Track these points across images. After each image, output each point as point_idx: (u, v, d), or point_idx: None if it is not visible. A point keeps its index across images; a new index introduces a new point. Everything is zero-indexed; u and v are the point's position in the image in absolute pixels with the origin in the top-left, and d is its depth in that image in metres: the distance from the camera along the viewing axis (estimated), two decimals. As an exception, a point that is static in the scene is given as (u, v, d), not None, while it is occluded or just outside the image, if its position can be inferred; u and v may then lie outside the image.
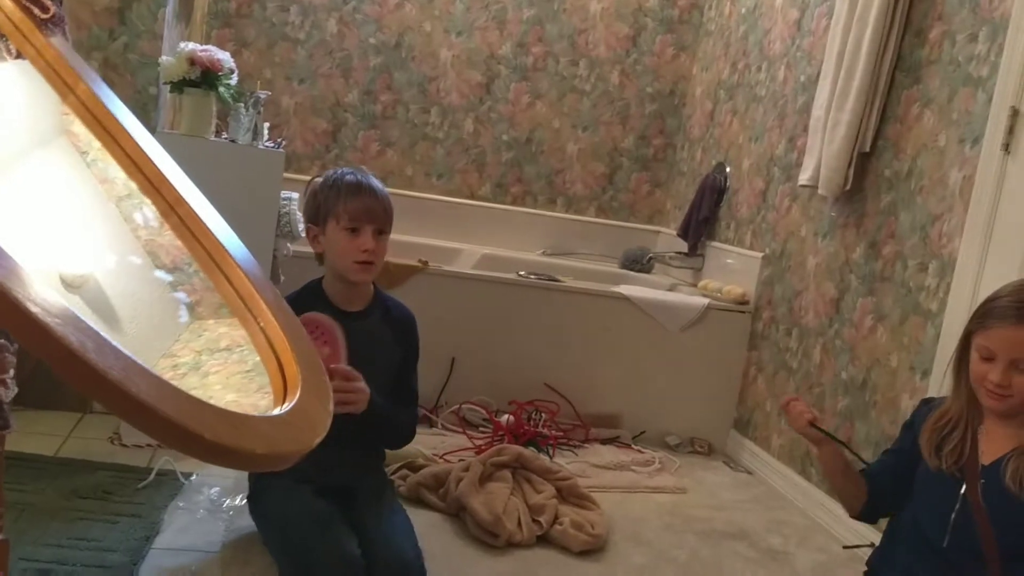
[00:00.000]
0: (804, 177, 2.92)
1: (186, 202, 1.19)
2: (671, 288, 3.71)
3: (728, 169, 3.73)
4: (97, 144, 1.30)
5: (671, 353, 3.31)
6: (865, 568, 1.89)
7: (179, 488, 2.26)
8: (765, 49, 3.56)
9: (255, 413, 1.08)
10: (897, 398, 2.47)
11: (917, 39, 2.59)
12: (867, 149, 2.69)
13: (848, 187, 2.73)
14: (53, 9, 1.23)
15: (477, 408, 3.13)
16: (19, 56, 1.28)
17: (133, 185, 1.19)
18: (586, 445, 3.12)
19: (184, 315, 1.27)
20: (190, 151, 2.58)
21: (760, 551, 2.45)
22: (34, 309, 0.76)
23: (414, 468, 2.55)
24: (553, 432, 3.08)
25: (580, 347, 3.26)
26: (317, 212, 1.97)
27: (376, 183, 2.00)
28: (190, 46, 2.59)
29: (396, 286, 2.98)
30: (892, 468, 1.83)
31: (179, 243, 1.27)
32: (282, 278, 2.68)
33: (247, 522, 2.13)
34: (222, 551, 2.00)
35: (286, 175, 2.93)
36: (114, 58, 2.84)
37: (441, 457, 2.71)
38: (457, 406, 3.11)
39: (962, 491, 1.66)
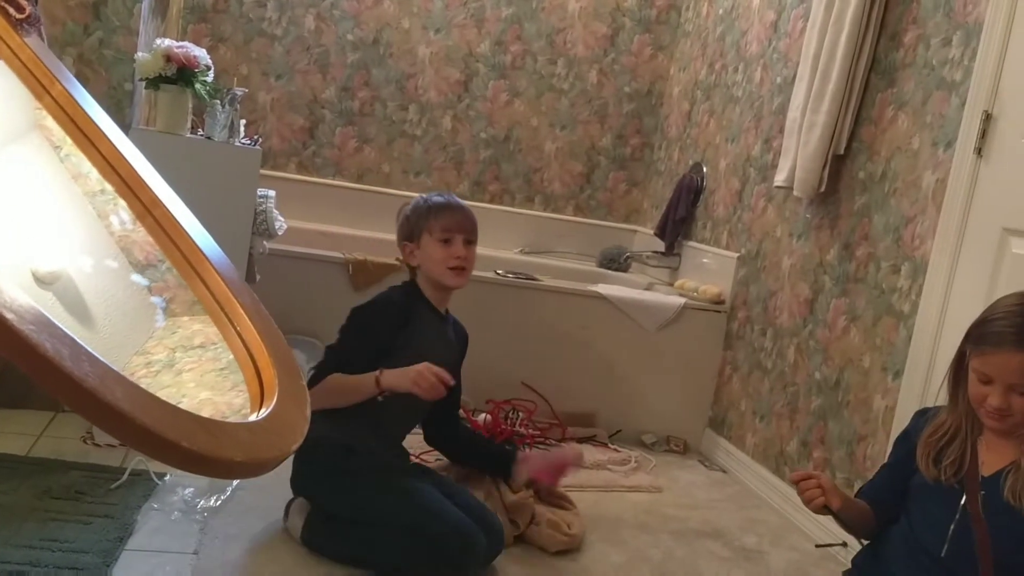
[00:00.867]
0: (779, 178, 2.95)
1: (162, 204, 1.18)
2: (648, 287, 3.72)
3: (705, 169, 3.76)
4: (71, 140, 1.28)
5: (647, 352, 3.33)
6: (849, 567, 1.89)
7: (153, 488, 2.24)
8: (742, 50, 3.58)
9: (230, 412, 1.08)
10: (869, 398, 2.50)
11: (892, 42, 2.62)
12: (842, 151, 2.71)
13: (823, 189, 2.75)
14: (28, 9, 1.22)
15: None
16: (-8, 55, 1.26)
17: (108, 185, 1.18)
18: (563, 444, 3.12)
19: (158, 312, 1.26)
20: (166, 148, 2.57)
21: (734, 550, 2.47)
22: (8, 316, 0.76)
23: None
24: (530, 431, 3.09)
25: (557, 346, 3.27)
26: (412, 230, 2.25)
27: (461, 201, 2.32)
28: (166, 42, 2.57)
29: (372, 284, 2.97)
30: (890, 483, 1.84)
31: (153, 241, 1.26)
32: (258, 277, 2.67)
33: (221, 523, 2.13)
34: (196, 553, 1.98)
35: (263, 172, 2.91)
36: (89, 54, 2.81)
37: (417, 457, 2.70)
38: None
39: (962, 502, 1.67)
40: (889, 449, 2.38)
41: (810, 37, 2.86)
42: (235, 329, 1.09)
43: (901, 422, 2.33)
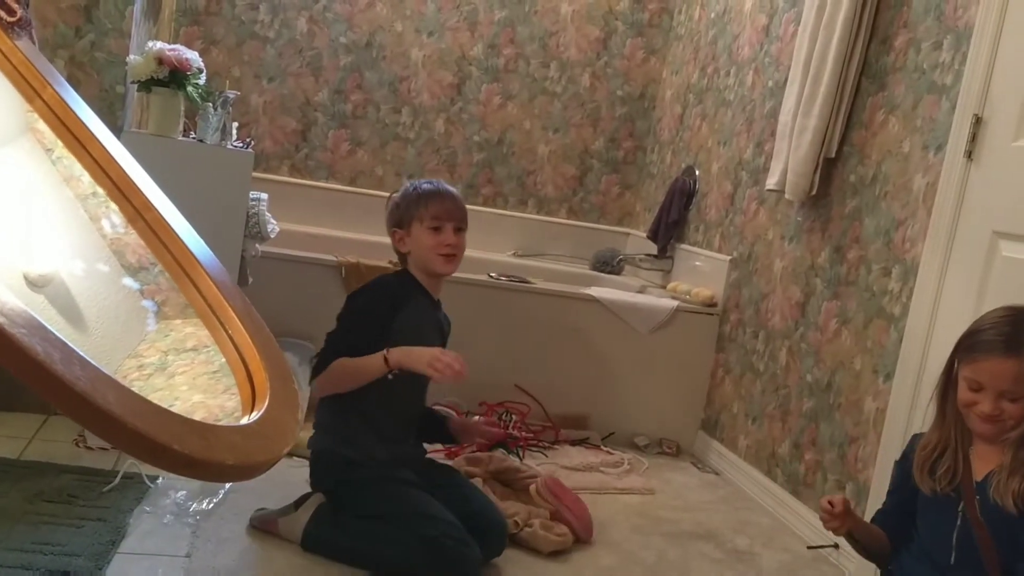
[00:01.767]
0: (771, 182, 2.96)
1: (154, 208, 1.18)
2: (641, 290, 3.73)
3: (697, 172, 3.77)
4: (62, 143, 1.28)
5: (640, 354, 3.33)
6: None
7: (145, 491, 2.24)
8: (734, 54, 3.59)
9: (222, 414, 1.08)
10: (860, 400, 2.51)
11: (883, 46, 2.63)
12: (833, 155, 2.72)
13: (814, 192, 2.76)
14: (20, 12, 1.22)
15: (447, 410, 3.12)
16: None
17: (100, 188, 1.18)
18: (556, 446, 3.13)
19: (150, 315, 1.26)
20: (158, 151, 2.57)
21: (726, 552, 2.48)
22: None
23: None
24: (523, 433, 3.09)
25: (550, 348, 3.27)
26: (402, 218, 2.26)
27: (454, 190, 2.32)
28: (158, 45, 2.57)
29: (366, 287, 2.97)
30: (897, 507, 1.86)
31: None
32: (250, 280, 2.67)
33: (214, 527, 2.13)
34: (189, 556, 1.98)
35: (255, 175, 2.91)
36: (80, 56, 2.80)
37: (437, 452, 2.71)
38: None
39: (960, 508, 1.69)
40: (877, 462, 2.40)
41: (801, 41, 2.87)
42: (227, 333, 1.09)
43: (892, 424, 2.35)
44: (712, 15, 3.85)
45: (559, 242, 4.28)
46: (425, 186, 2.29)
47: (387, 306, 2.19)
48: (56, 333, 0.82)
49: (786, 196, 2.87)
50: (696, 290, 3.44)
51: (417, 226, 2.23)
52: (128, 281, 1.30)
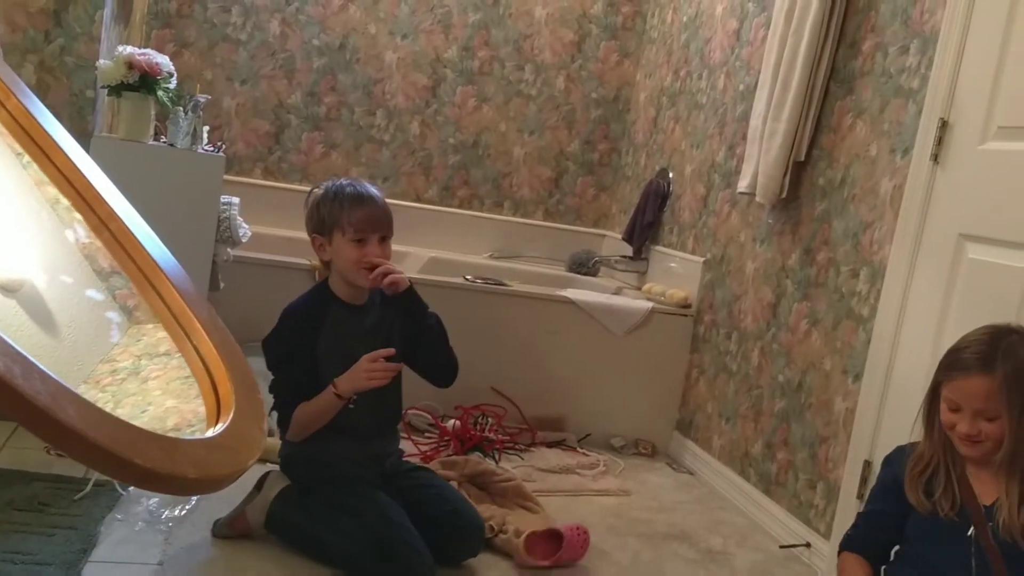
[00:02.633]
0: (742, 184, 2.98)
1: (119, 218, 1.18)
2: (616, 291, 3.75)
3: (671, 175, 3.79)
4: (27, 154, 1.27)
5: (616, 356, 3.35)
6: None
7: (117, 499, 2.22)
8: (706, 57, 3.62)
9: (195, 419, 1.08)
10: (830, 400, 2.54)
11: (851, 51, 2.66)
12: (802, 158, 2.75)
13: (784, 195, 2.79)
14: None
15: (423, 413, 3.13)
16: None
17: (65, 200, 1.17)
18: (532, 449, 3.14)
19: (122, 320, 1.26)
20: (128, 156, 2.56)
21: (700, 552, 2.50)
22: (-42, 336, 0.75)
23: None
24: (499, 436, 3.10)
25: (526, 351, 3.28)
26: (322, 224, 2.12)
27: (374, 191, 2.16)
28: (128, 49, 2.56)
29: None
30: (883, 526, 1.85)
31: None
32: (222, 284, 2.66)
33: (186, 533, 2.12)
34: (161, 563, 1.97)
35: (228, 178, 2.90)
36: (50, 61, 2.78)
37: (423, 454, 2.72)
38: (403, 412, 3.10)
39: (970, 533, 1.68)
40: (847, 461, 2.43)
41: (771, 45, 2.90)
42: (191, 343, 1.09)
43: (861, 424, 2.37)
44: (684, 19, 3.87)
45: (535, 244, 4.28)
46: (347, 189, 2.12)
47: (301, 334, 2.11)
48: (16, 347, 0.82)
49: (757, 199, 2.89)
50: (671, 291, 3.46)
51: (339, 236, 2.10)
52: (100, 286, 1.29)
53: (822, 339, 2.61)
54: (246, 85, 3.86)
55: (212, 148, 2.72)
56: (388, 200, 2.23)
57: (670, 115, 3.89)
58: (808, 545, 2.52)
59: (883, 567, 1.85)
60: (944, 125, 2.23)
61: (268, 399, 2.01)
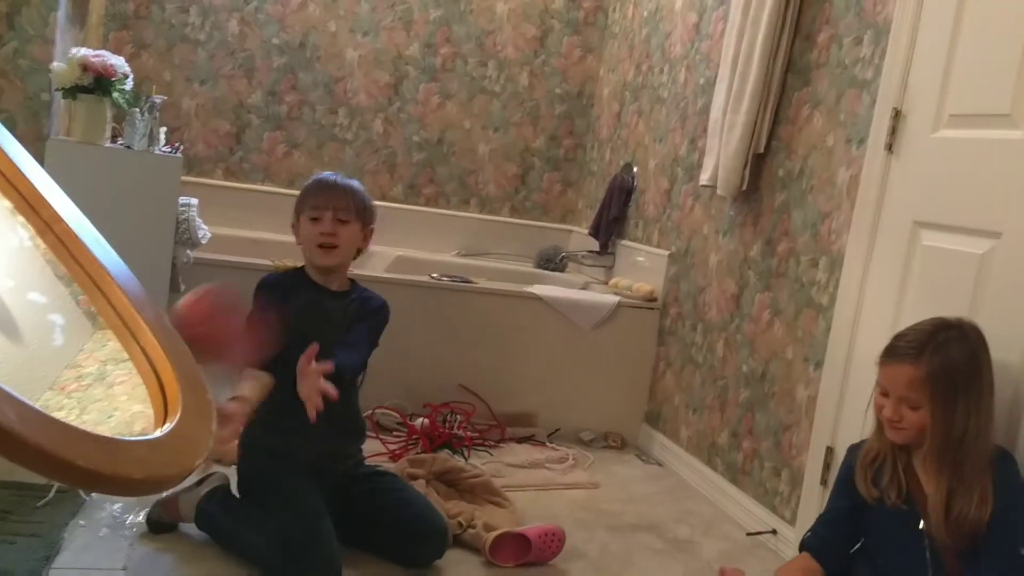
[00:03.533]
0: (704, 177, 3.00)
1: (63, 220, 1.16)
2: (584, 286, 3.76)
3: (635, 169, 3.81)
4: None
5: (584, 351, 3.36)
6: None
7: (80, 505, 2.20)
8: (667, 51, 3.64)
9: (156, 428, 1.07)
10: (793, 389, 2.56)
11: (807, 43, 2.69)
12: (761, 150, 2.77)
13: (744, 187, 2.81)
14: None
15: (391, 412, 3.12)
16: None
17: (7, 203, 1.16)
18: (502, 445, 3.14)
19: (87, 325, 1.24)
20: (84, 158, 2.53)
21: (668, 542, 2.52)
22: None
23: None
24: (468, 433, 3.10)
25: (494, 347, 3.29)
26: (295, 209, 2.24)
27: (343, 180, 2.25)
28: (82, 51, 2.53)
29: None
30: (840, 524, 1.89)
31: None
32: (183, 287, 2.63)
33: (150, 539, 2.10)
34: (125, 569, 1.95)
35: (188, 179, 2.88)
36: (3, 64, 2.75)
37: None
38: (370, 411, 3.09)
39: (921, 526, 1.72)
40: (811, 448, 2.46)
41: (729, 39, 2.92)
42: (138, 344, 1.08)
43: (823, 410, 2.40)
44: (645, 13, 3.89)
45: (503, 241, 4.29)
46: (317, 177, 2.27)
47: (275, 297, 2.12)
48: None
49: (718, 191, 2.92)
50: (637, 285, 3.48)
51: (304, 217, 2.20)
52: (64, 290, 1.28)
53: (784, 328, 2.64)
54: (206, 85, 3.83)
55: (169, 149, 2.69)
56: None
57: (633, 110, 3.91)
58: (774, 532, 2.55)
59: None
60: (897, 114, 2.26)
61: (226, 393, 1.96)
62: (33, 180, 1.18)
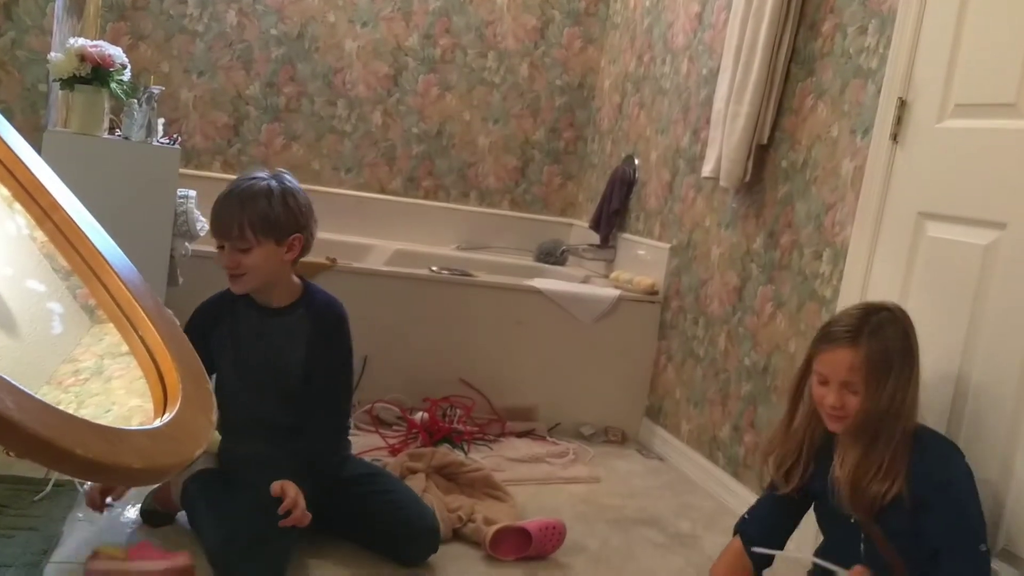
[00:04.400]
0: (707, 169, 2.99)
1: (61, 208, 1.14)
2: (585, 280, 3.75)
3: (637, 161, 3.79)
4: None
5: (584, 344, 3.35)
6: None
7: (78, 499, 2.18)
8: (669, 42, 3.62)
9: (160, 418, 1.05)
10: (797, 382, 2.55)
11: (811, 32, 2.67)
12: (765, 141, 2.75)
13: (747, 178, 2.79)
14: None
15: (390, 406, 3.11)
16: None
17: (5, 192, 1.14)
18: (502, 439, 3.13)
19: (84, 319, 1.23)
20: (81, 150, 2.51)
21: (669, 536, 2.50)
22: None
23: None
24: (468, 428, 3.09)
25: (495, 341, 3.27)
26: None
27: (241, 197, 1.99)
28: (80, 42, 2.51)
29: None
30: (771, 506, 1.94)
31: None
32: (181, 279, 2.61)
33: (148, 531, 2.09)
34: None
35: (186, 171, 2.86)
36: (1, 55, 2.73)
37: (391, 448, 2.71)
38: (370, 405, 3.08)
39: (852, 520, 1.74)
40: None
41: (732, 29, 2.90)
42: (137, 334, 1.06)
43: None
44: (647, 3, 3.86)
45: (503, 234, 4.27)
46: (221, 193, 2.05)
47: (199, 330, 2.03)
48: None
49: (721, 183, 2.90)
50: (638, 279, 3.47)
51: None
52: (62, 285, 1.26)
53: (787, 321, 2.62)
54: (204, 77, 3.80)
55: (168, 141, 2.67)
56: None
57: (634, 101, 3.89)
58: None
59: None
60: (903, 104, 2.24)
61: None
62: (31, 168, 1.16)
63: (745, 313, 2.84)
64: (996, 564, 1.75)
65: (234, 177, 3.74)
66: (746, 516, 2.00)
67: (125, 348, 1.19)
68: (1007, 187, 1.91)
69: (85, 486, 2.22)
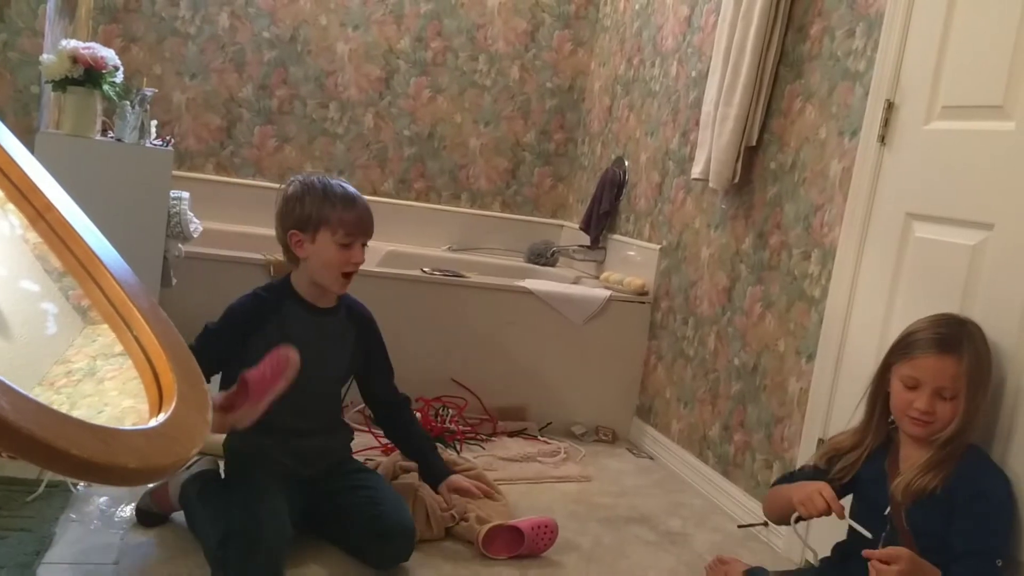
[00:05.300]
0: (696, 171, 3.01)
1: (55, 208, 1.15)
2: (575, 281, 3.76)
3: (627, 163, 3.81)
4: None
5: (575, 345, 3.36)
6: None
7: (71, 499, 2.19)
8: (658, 45, 3.64)
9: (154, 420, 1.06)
10: (785, 381, 2.57)
11: (799, 35, 2.69)
12: (754, 143, 2.78)
13: (736, 180, 2.81)
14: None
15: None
16: None
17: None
18: (494, 439, 3.14)
19: (77, 320, 1.23)
20: (74, 151, 2.51)
21: (660, 534, 2.52)
22: None
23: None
24: (460, 427, 3.10)
25: (486, 342, 3.28)
26: (308, 220, 2.05)
27: (361, 197, 2.13)
28: (72, 43, 2.51)
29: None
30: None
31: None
32: (174, 280, 2.62)
33: (142, 532, 2.09)
34: (117, 563, 1.94)
35: (179, 173, 2.86)
36: (-7, 56, 2.73)
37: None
38: (363, 405, 3.08)
39: (887, 512, 1.76)
40: (802, 440, 2.47)
41: (721, 31, 2.92)
42: (132, 334, 1.07)
43: (815, 403, 2.41)
44: (636, 6, 3.88)
45: (494, 235, 4.29)
46: (337, 189, 2.07)
47: (231, 335, 2.05)
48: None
49: (710, 185, 2.92)
50: (628, 279, 3.48)
51: (325, 236, 2.04)
52: (54, 286, 1.27)
53: (776, 321, 2.64)
54: (196, 79, 3.81)
55: (160, 142, 2.68)
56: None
57: (624, 103, 3.91)
58: (766, 524, 2.55)
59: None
60: (890, 106, 2.26)
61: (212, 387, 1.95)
62: (25, 168, 1.16)
63: (734, 313, 2.87)
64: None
65: (226, 179, 3.83)
66: (786, 476, 2.03)
67: (118, 349, 1.20)
68: (994, 188, 1.93)
69: (79, 487, 2.23)
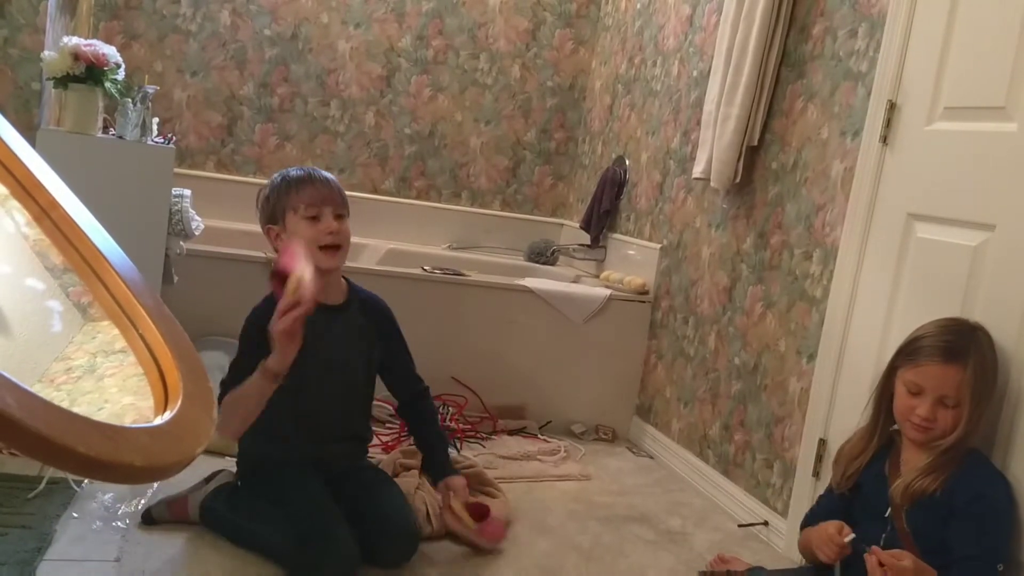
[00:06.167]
0: (697, 170, 3.01)
1: (60, 206, 1.15)
2: (575, 280, 3.77)
3: (627, 162, 3.81)
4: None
5: (575, 343, 3.36)
6: None
7: (72, 496, 2.19)
8: (660, 44, 3.64)
9: (153, 418, 1.06)
10: (785, 381, 2.57)
11: (801, 35, 2.69)
12: (755, 142, 2.78)
13: (738, 180, 2.81)
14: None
15: (384, 404, 3.10)
16: None
17: (3, 189, 1.15)
18: (494, 437, 3.15)
19: (77, 317, 1.23)
20: (75, 149, 2.51)
21: (659, 533, 2.52)
22: None
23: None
24: (461, 426, 3.10)
25: (486, 340, 3.28)
26: (274, 212, 2.05)
27: (323, 172, 2.11)
28: (73, 40, 2.51)
29: (297, 283, 2.93)
30: (832, 504, 1.95)
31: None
32: (176, 278, 2.62)
33: (143, 529, 2.09)
34: (118, 560, 1.94)
35: (180, 171, 2.86)
36: (-7, 53, 2.73)
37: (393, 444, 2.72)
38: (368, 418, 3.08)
39: (887, 514, 1.77)
40: (803, 440, 2.47)
41: (723, 31, 2.92)
42: (137, 332, 1.07)
43: (816, 403, 2.41)
44: (638, 6, 3.88)
45: (494, 234, 4.28)
46: (294, 173, 2.08)
47: (256, 329, 1.97)
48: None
49: (712, 184, 2.92)
50: (628, 278, 3.48)
51: (292, 217, 2.02)
52: (53, 283, 1.27)
53: (777, 321, 2.65)
54: (197, 77, 3.80)
55: (162, 140, 2.67)
56: (344, 192, 2.19)
57: (625, 102, 3.91)
58: (766, 523, 2.56)
59: None
60: (892, 107, 2.26)
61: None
62: (29, 165, 1.16)
63: (735, 313, 2.87)
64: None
65: (228, 177, 3.82)
66: (808, 512, 2.04)
67: (118, 346, 1.20)
68: (996, 189, 1.94)
69: (83, 484, 2.23)
